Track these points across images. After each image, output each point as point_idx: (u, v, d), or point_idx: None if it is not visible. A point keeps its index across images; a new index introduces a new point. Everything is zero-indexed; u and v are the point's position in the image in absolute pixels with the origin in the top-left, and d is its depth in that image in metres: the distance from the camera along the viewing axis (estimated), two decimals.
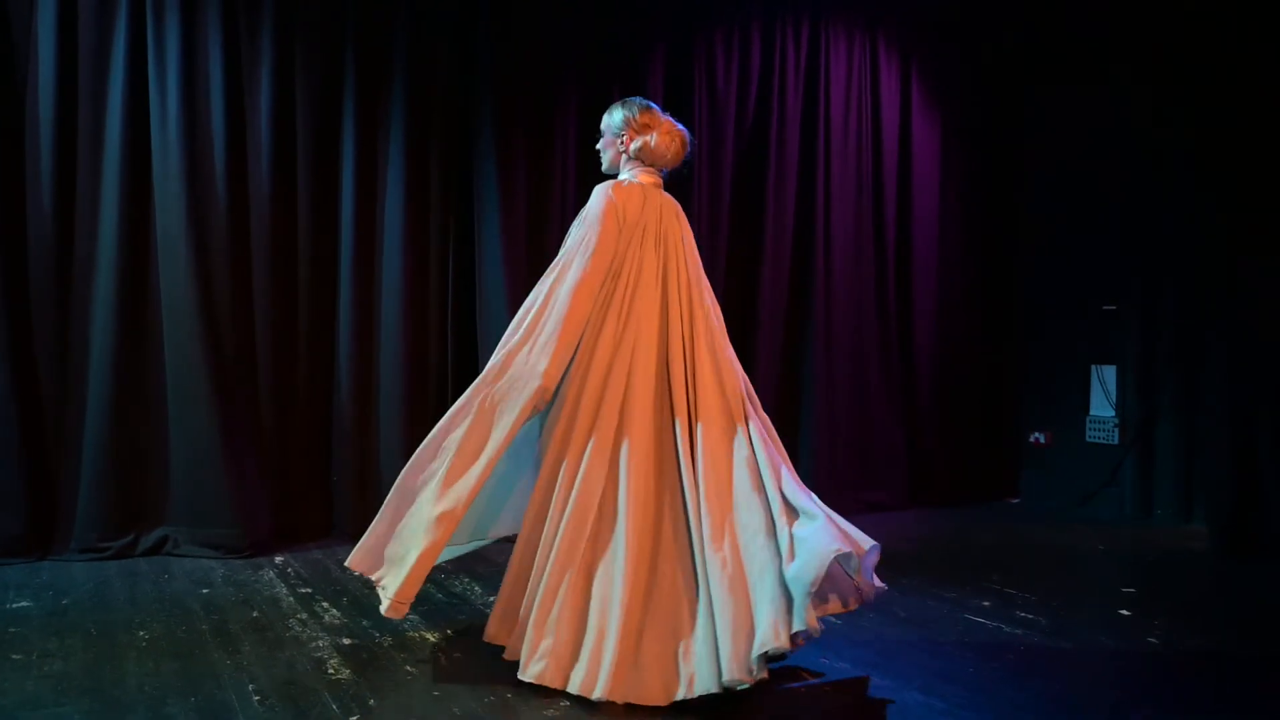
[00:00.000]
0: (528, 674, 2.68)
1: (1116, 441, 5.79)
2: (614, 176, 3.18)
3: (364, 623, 3.34)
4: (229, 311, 4.43)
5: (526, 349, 2.88)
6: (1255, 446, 4.74)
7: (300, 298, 4.72)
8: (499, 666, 2.89)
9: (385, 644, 3.12)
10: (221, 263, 4.42)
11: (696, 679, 2.54)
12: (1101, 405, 5.90)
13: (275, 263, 4.63)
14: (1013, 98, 6.29)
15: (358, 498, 4.74)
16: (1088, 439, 5.95)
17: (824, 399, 5.70)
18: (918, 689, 2.79)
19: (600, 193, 3.04)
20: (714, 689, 2.51)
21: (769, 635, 2.44)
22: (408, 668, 2.89)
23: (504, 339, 2.97)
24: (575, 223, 3.08)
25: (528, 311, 2.95)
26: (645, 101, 3.15)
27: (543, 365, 2.82)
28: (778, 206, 5.67)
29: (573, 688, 2.61)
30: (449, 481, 2.79)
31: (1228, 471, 4.78)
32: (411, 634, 3.22)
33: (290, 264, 4.69)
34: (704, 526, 2.70)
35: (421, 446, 2.91)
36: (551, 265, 3.04)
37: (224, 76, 4.44)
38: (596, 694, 2.56)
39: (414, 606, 3.44)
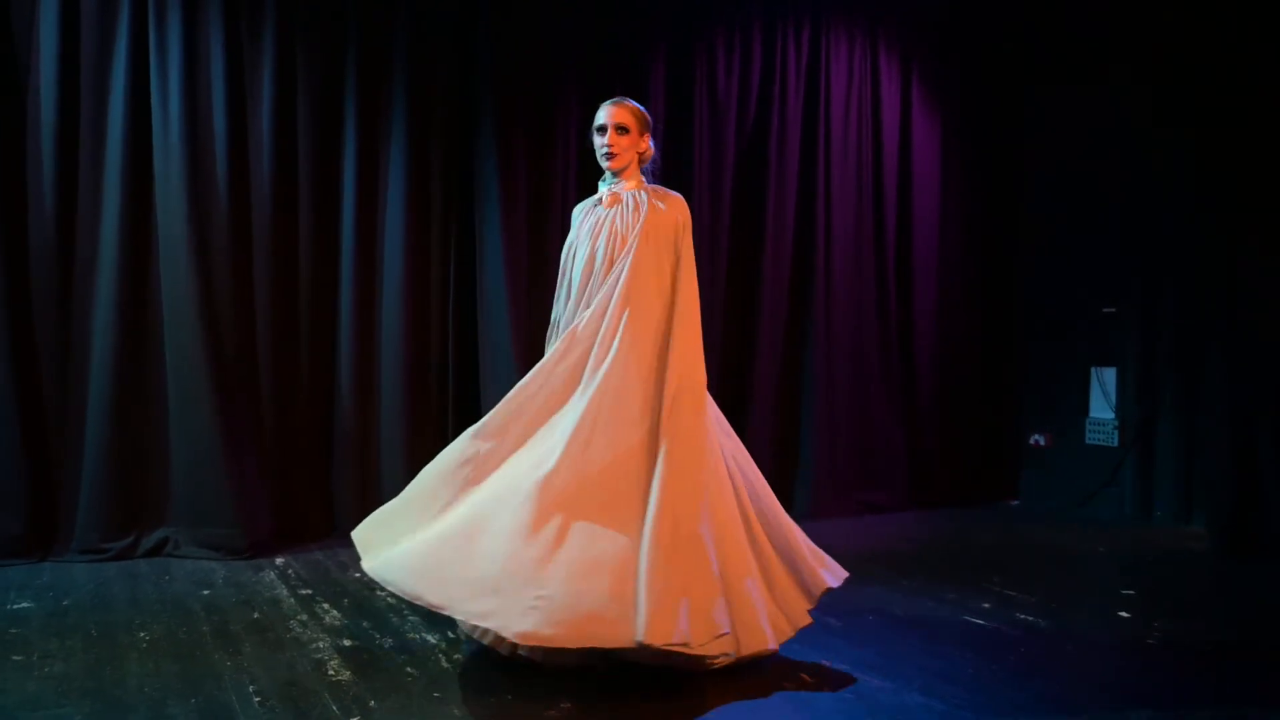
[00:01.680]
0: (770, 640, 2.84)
1: (1116, 444, 5.79)
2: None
3: (364, 624, 3.34)
4: (230, 312, 4.43)
5: (692, 366, 2.94)
6: (1255, 447, 4.74)
7: (301, 298, 4.73)
8: (499, 668, 2.90)
9: (385, 645, 3.12)
10: (223, 263, 4.42)
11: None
12: (1101, 408, 5.90)
13: (276, 263, 4.63)
14: (1013, 98, 6.29)
15: (358, 498, 4.74)
16: (1087, 441, 5.95)
17: (824, 399, 5.70)
18: (918, 690, 2.79)
19: (684, 203, 3.11)
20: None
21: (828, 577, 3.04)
22: (408, 669, 2.90)
23: (675, 359, 2.90)
24: (673, 228, 3.03)
25: (682, 329, 2.94)
26: None
27: (703, 378, 2.96)
28: (778, 206, 5.67)
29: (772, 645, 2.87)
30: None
31: (1227, 472, 4.79)
32: (412, 635, 3.22)
33: (291, 264, 4.69)
34: (754, 504, 3.01)
35: (665, 496, 2.76)
36: (638, 274, 2.99)
37: (225, 77, 4.45)
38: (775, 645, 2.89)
39: (414, 608, 3.45)
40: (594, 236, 3.08)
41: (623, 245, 3.01)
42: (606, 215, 3.09)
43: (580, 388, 2.88)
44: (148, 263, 4.36)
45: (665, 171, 5.23)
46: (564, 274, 3.15)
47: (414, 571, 2.63)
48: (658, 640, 2.53)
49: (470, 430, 2.95)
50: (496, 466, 2.86)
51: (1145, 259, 5.63)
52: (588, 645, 2.58)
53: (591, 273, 3.04)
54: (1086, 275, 5.93)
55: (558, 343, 3.00)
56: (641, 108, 3.13)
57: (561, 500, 2.69)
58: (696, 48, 5.50)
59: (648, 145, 3.13)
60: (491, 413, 2.96)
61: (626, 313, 2.92)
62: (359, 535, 2.88)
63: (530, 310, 4.84)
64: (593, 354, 2.91)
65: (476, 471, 2.86)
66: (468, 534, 2.68)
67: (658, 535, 2.66)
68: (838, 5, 5.85)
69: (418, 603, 2.61)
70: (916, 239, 6.08)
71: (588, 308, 2.99)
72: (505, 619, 2.52)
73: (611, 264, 3.01)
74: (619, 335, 2.90)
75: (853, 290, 5.85)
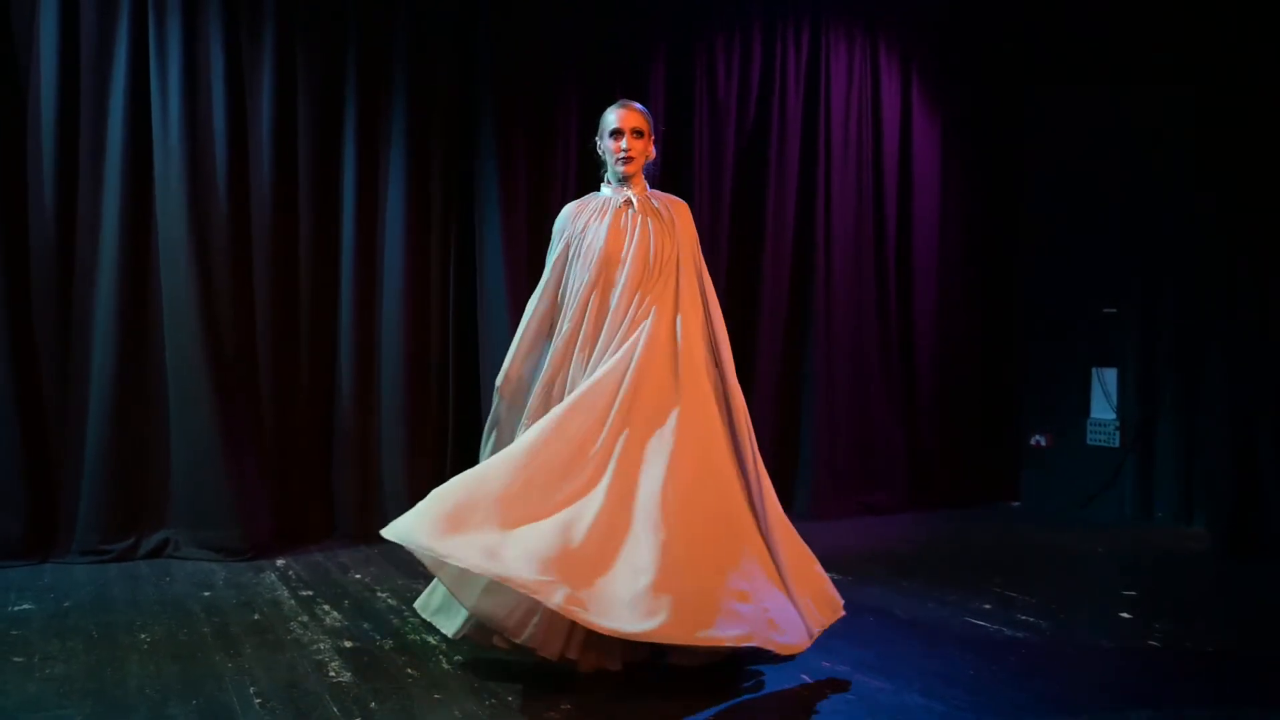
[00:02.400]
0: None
1: (1117, 444, 5.78)
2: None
3: (365, 625, 3.34)
4: (230, 312, 4.43)
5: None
6: (1255, 447, 4.74)
7: (301, 298, 4.73)
8: (499, 669, 2.90)
9: (386, 647, 3.12)
10: (222, 263, 4.42)
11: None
12: (1102, 408, 5.89)
13: (276, 263, 4.63)
14: (1013, 98, 6.28)
15: (358, 499, 4.74)
16: (1088, 441, 5.94)
17: (824, 399, 5.70)
18: (918, 691, 2.79)
19: (689, 210, 3.18)
20: None
21: None
22: (409, 670, 2.90)
23: (729, 373, 3.06)
24: (693, 237, 3.13)
25: (724, 344, 3.11)
26: None
27: None
28: (778, 206, 5.66)
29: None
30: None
31: (1228, 472, 4.78)
32: (412, 637, 3.22)
33: (291, 265, 4.69)
34: None
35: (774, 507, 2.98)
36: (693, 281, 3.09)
37: (225, 78, 4.45)
38: None
39: (415, 610, 3.45)
40: (639, 240, 3.04)
41: (670, 250, 3.05)
42: (642, 219, 3.07)
43: (677, 395, 2.91)
44: (148, 263, 4.36)
45: (665, 171, 5.27)
46: (594, 275, 3.02)
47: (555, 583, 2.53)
48: (818, 633, 2.84)
49: (580, 425, 2.81)
50: (607, 465, 2.79)
51: (1145, 259, 5.63)
52: (805, 648, 2.78)
53: (644, 275, 3.01)
54: (1087, 275, 5.93)
55: (645, 341, 2.93)
56: (647, 111, 3.16)
57: (706, 515, 2.77)
58: (696, 48, 5.49)
59: (652, 148, 3.15)
60: (599, 408, 2.83)
61: (687, 320, 3.02)
62: (422, 528, 2.62)
63: None
64: (679, 360, 2.95)
65: (589, 470, 2.78)
66: (610, 546, 2.64)
67: (781, 541, 2.90)
68: (838, 5, 5.84)
69: (569, 616, 2.54)
70: (916, 239, 6.08)
71: (642, 309, 2.99)
72: (767, 637, 2.67)
73: (661, 269, 3.03)
74: (690, 344, 3.00)
75: (853, 290, 5.85)
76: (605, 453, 2.80)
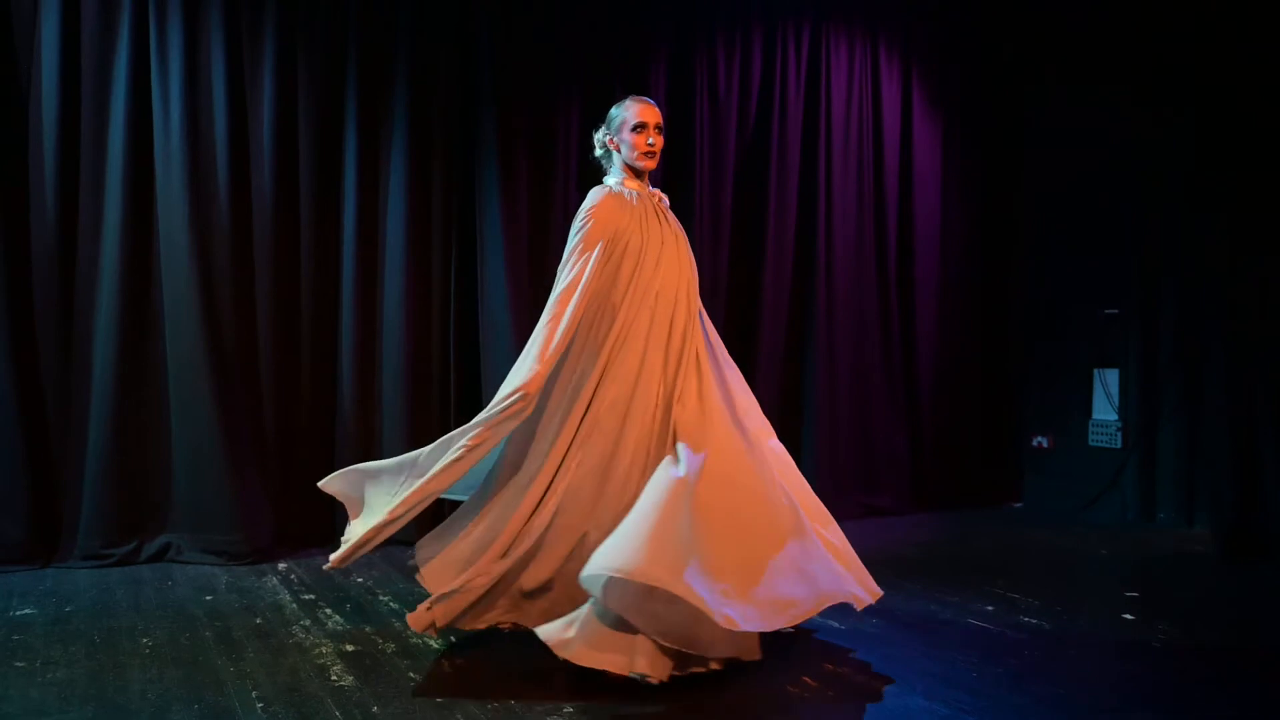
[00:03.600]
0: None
1: (1119, 445, 5.78)
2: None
3: (367, 629, 3.34)
4: (231, 317, 4.43)
5: None
6: (1257, 448, 4.73)
7: (302, 302, 4.73)
8: (503, 672, 2.90)
9: (388, 650, 3.12)
10: (224, 268, 4.42)
11: None
12: (1104, 409, 5.89)
13: (277, 265, 4.64)
14: (1013, 99, 6.29)
15: None
16: (1090, 443, 5.94)
17: (826, 402, 5.69)
18: (920, 693, 2.79)
19: None
20: None
21: None
22: (411, 674, 2.90)
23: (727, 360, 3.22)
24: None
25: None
26: None
27: None
28: (779, 210, 5.66)
29: None
30: None
31: (1230, 474, 4.78)
32: (415, 640, 3.22)
33: (292, 269, 4.70)
34: None
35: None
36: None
37: (226, 82, 4.45)
38: None
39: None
40: (682, 243, 3.10)
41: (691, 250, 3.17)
42: (674, 220, 3.13)
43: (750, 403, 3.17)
44: (149, 268, 4.36)
45: (667, 172, 5.26)
46: (660, 280, 2.98)
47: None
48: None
49: (739, 446, 2.91)
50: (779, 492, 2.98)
51: (1146, 260, 5.63)
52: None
53: (694, 277, 3.11)
54: (1088, 276, 5.93)
55: (719, 357, 3.10)
56: None
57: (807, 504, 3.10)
58: (697, 52, 5.49)
59: None
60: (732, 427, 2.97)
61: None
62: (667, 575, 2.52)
63: (531, 314, 4.81)
64: (731, 366, 3.16)
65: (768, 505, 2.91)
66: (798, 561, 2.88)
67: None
68: (838, 8, 5.84)
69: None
70: (917, 239, 6.07)
71: (697, 315, 3.10)
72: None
73: (694, 269, 3.14)
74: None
75: (854, 290, 5.84)
76: (761, 472, 2.93)
